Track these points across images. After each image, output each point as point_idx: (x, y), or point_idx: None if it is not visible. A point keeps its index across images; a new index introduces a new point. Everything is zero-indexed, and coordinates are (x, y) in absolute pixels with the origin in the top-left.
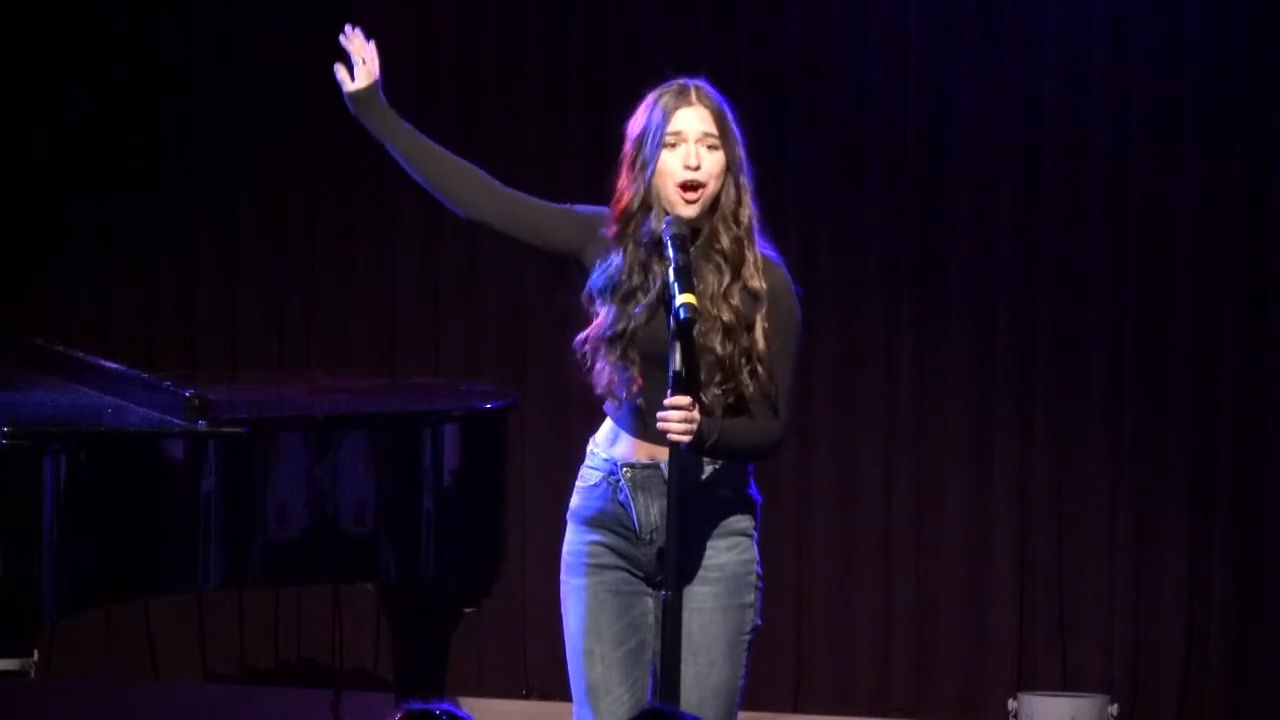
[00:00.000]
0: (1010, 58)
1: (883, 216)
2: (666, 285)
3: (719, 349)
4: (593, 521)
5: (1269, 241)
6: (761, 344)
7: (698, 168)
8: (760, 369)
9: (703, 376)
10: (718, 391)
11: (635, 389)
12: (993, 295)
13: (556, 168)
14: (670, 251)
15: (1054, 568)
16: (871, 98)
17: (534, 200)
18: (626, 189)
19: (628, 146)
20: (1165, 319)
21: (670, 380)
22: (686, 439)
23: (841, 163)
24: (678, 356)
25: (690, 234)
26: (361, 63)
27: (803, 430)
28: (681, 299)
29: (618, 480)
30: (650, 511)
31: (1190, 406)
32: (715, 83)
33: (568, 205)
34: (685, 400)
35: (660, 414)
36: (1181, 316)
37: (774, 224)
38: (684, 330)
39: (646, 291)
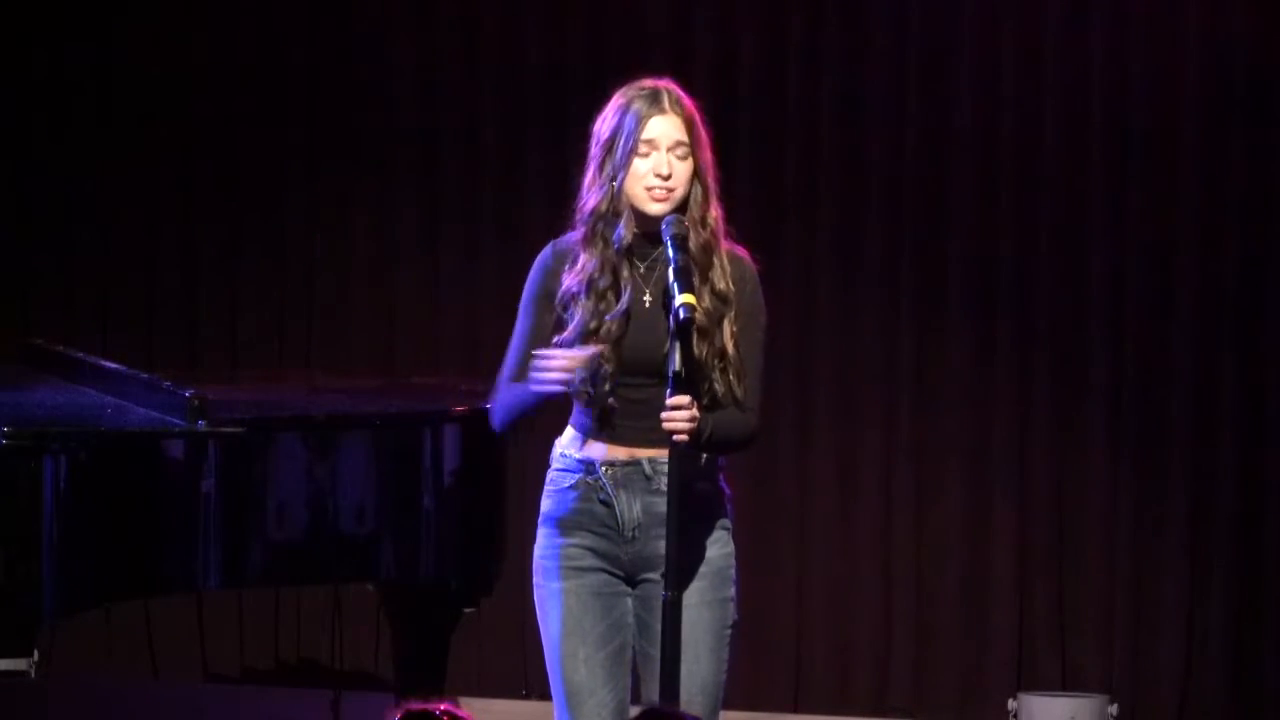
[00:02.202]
0: (1010, 57)
1: (883, 216)
2: (665, 286)
3: (695, 349)
4: (569, 524)
5: (1269, 240)
6: (730, 346)
7: (669, 176)
8: (730, 368)
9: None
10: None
11: (607, 388)
12: (993, 295)
13: (556, 167)
14: (670, 252)
15: (1054, 568)
16: (872, 97)
17: (537, 336)
18: (594, 192)
19: (595, 149)
20: (1166, 319)
21: (670, 380)
22: (687, 437)
23: (841, 162)
24: (678, 356)
25: (688, 230)
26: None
27: (803, 430)
28: (681, 299)
29: (598, 480)
30: (633, 509)
31: (1190, 407)
32: (714, 82)
33: (530, 305)
34: (686, 399)
35: (664, 414)
36: (1182, 317)
37: (774, 224)
38: (683, 330)
39: (618, 292)
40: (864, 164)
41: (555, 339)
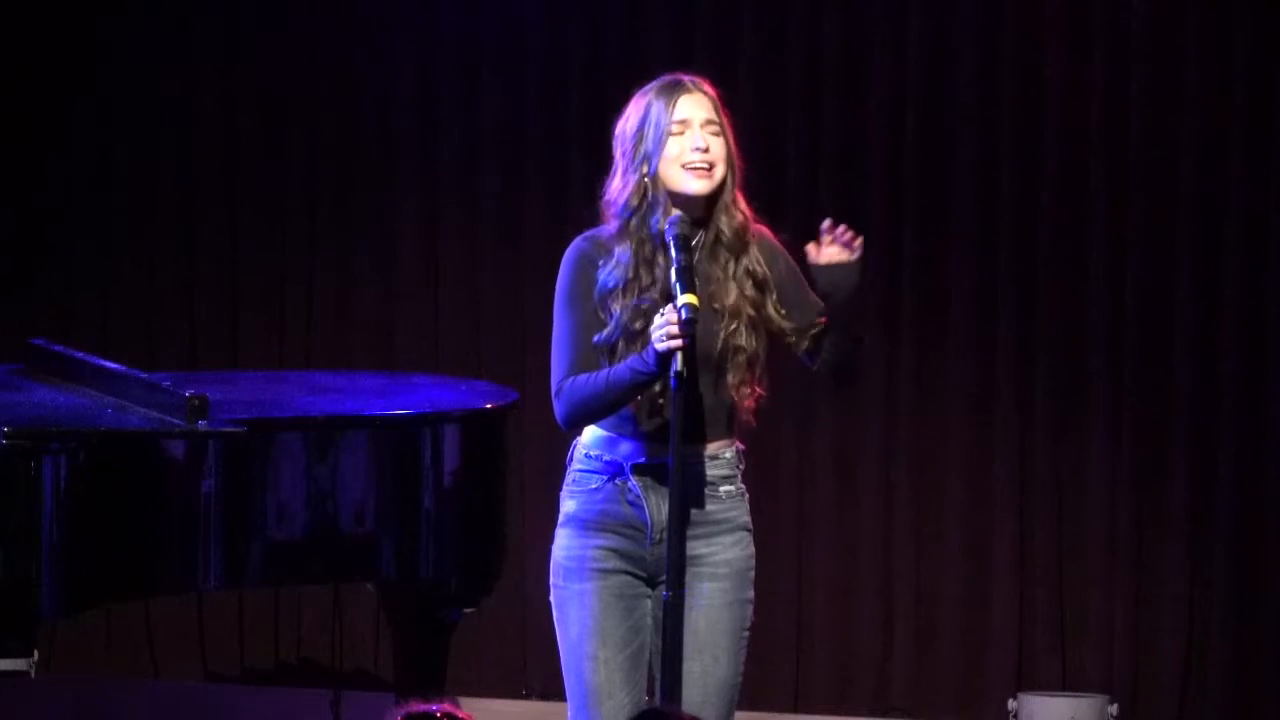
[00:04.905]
0: (1011, 58)
1: (883, 215)
2: (668, 285)
3: (747, 344)
4: (595, 525)
5: (1271, 237)
6: (779, 321)
7: (707, 149)
8: (789, 333)
9: (733, 378)
10: (747, 390)
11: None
12: (993, 294)
13: (557, 167)
14: (673, 252)
15: (1054, 568)
16: (872, 96)
17: (592, 327)
18: (624, 186)
19: (623, 146)
20: (1166, 319)
21: (672, 380)
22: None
23: (841, 161)
24: (679, 356)
25: (695, 230)
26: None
27: (803, 429)
28: (683, 299)
29: (625, 482)
30: (661, 510)
31: (1191, 406)
32: (715, 81)
33: (577, 298)
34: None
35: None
36: (1182, 316)
37: (774, 223)
38: (686, 330)
39: (657, 285)
40: (864, 163)
41: (597, 336)
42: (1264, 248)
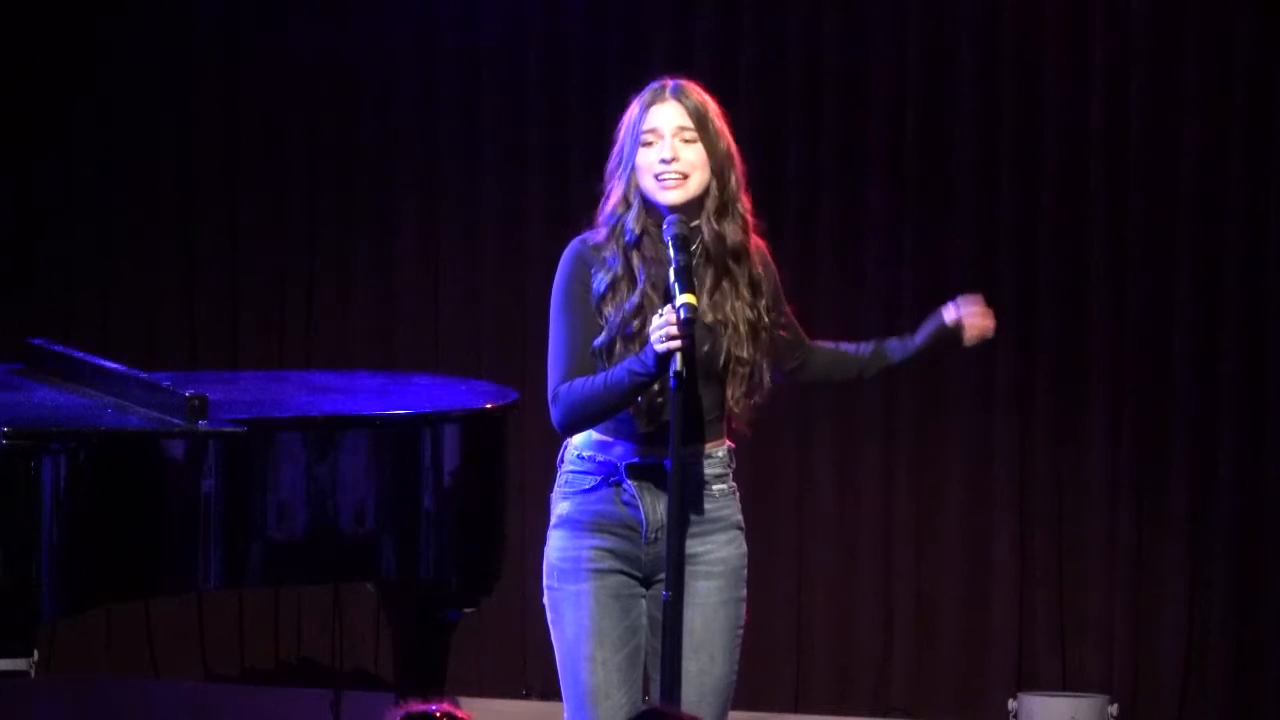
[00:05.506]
0: (1010, 57)
1: (883, 215)
2: (666, 285)
3: (746, 353)
4: (591, 525)
5: (1271, 237)
6: (765, 332)
7: (674, 159)
8: (779, 343)
9: (734, 391)
10: (747, 401)
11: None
12: (993, 293)
13: (557, 167)
14: (671, 252)
15: (1054, 568)
16: (871, 96)
17: (590, 328)
18: (611, 192)
19: (613, 152)
20: (1167, 319)
21: (671, 380)
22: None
23: (841, 161)
24: (679, 356)
25: (694, 232)
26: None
27: (803, 429)
28: (682, 299)
29: (620, 482)
30: (657, 510)
31: (1191, 406)
32: (715, 81)
33: (574, 299)
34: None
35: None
36: (1183, 316)
37: (774, 222)
38: (686, 330)
39: (645, 286)
40: (864, 163)
41: (596, 340)
42: (1264, 248)
